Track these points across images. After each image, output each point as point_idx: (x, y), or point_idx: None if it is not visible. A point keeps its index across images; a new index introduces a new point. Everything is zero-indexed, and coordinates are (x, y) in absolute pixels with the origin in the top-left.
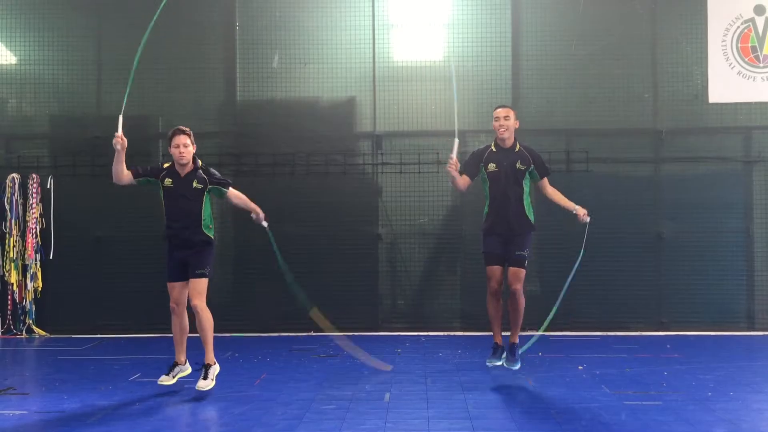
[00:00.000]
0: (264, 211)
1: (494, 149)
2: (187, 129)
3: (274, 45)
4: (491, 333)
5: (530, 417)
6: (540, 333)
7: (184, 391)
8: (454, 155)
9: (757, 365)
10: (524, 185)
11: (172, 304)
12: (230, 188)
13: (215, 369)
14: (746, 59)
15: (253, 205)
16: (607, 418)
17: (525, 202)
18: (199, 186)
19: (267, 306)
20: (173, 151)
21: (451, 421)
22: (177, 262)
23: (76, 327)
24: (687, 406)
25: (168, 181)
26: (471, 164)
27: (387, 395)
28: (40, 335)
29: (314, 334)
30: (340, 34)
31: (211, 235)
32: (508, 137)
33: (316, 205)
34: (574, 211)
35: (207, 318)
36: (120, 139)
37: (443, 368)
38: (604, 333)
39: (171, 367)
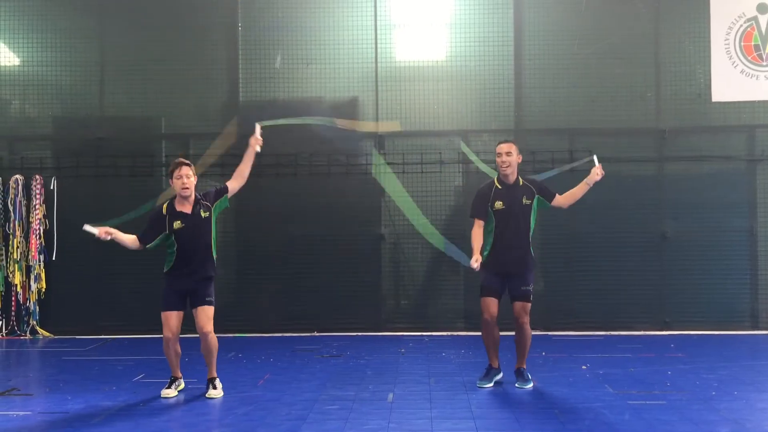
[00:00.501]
0: (268, 212)
1: (499, 186)
2: (188, 161)
3: (276, 45)
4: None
5: (533, 417)
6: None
7: (188, 391)
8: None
9: (761, 364)
10: (531, 221)
11: (168, 334)
12: (228, 190)
13: (219, 382)
14: (749, 58)
15: (248, 158)
16: (610, 418)
17: (529, 240)
18: (206, 214)
19: (270, 306)
20: (176, 182)
21: (455, 421)
22: (180, 291)
23: (80, 328)
24: (691, 406)
25: (177, 224)
26: (480, 205)
27: (390, 395)
28: (43, 336)
29: (317, 334)
30: (343, 34)
31: (215, 256)
32: (512, 173)
33: (318, 205)
34: (589, 184)
35: (215, 341)
36: (104, 235)
37: (446, 368)
38: (608, 332)
39: (171, 381)
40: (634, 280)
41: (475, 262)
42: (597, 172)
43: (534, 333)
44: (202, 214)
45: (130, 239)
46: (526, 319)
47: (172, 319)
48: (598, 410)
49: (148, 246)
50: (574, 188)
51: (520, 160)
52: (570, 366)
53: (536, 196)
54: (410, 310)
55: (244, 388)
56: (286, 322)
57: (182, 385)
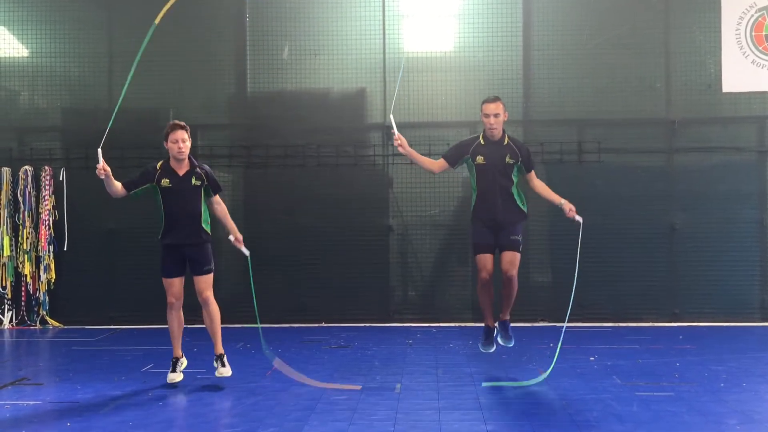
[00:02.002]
0: (276, 203)
1: (483, 142)
2: (184, 123)
3: (284, 36)
4: (557, 324)
5: (541, 408)
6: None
7: (197, 381)
8: (395, 130)
9: None
10: (513, 178)
11: (171, 299)
12: (215, 197)
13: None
14: (760, 48)
15: (232, 224)
16: (618, 409)
17: (515, 194)
18: (198, 183)
19: (278, 297)
20: (171, 146)
21: (462, 412)
22: (177, 258)
23: (89, 318)
24: (699, 397)
25: (165, 182)
26: (455, 153)
27: (398, 386)
28: (53, 326)
29: (325, 325)
30: (351, 25)
31: (209, 230)
32: (498, 132)
33: (327, 196)
34: (561, 205)
35: (217, 309)
36: (102, 171)
37: (454, 359)
38: (617, 324)
39: (174, 363)
40: (643, 271)
41: (398, 139)
42: (569, 209)
43: (541, 324)
44: (193, 181)
45: (117, 185)
46: (514, 273)
47: (174, 285)
48: (606, 401)
49: (130, 193)
50: (552, 192)
51: (506, 118)
52: (578, 357)
53: (520, 160)
54: (418, 301)
55: (253, 379)
56: (294, 313)
57: (185, 363)
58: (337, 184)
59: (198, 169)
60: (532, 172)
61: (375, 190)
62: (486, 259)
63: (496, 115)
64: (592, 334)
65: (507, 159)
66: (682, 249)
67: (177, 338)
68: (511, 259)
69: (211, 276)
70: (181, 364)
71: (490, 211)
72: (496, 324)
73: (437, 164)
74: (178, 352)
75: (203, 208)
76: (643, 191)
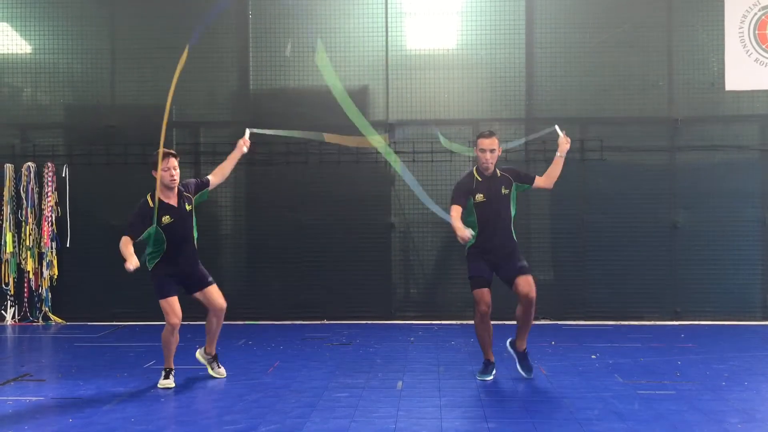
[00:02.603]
0: (278, 200)
1: (479, 178)
2: (174, 151)
3: (286, 34)
4: (500, 323)
5: (543, 406)
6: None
7: (199, 378)
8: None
9: None
10: (511, 209)
11: (175, 320)
12: (209, 184)
13: None
14: (764, 46)
15: (233, 158)
16: (620, 407)
17: (511, 227)
18: (190, 207)
19: (280, 294)
20: (164, 174)
21: (464, 410)
22: (178, 278)
23: (92, 314)
24: (701, 396)
25: (167, 219)
26: (462, 196)
27: (400, 383)
28: (56, 322)
29: (327, 322)
30: (353, 22)
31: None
32: (492, 168)
33: (329, 194)
34: (562, 155)
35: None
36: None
37: (456, 357)
38: (618, 322)
39: (167, 372)
40: (645, 269)
41: (463, 230)
42: (563, 142)
43: (544, 323)
44: (187, 208)
45: (122, 242)
46: (534, 294)
47: (176, 304)
48: (607, 399)
49: (135, 240)
50: (550, 166)
51: (500, 153)
52: (580, 355)
53: (514, 184)
54: (420, 299)
55: (255, 375)
56: (295, 309)
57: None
58: (339, 182)
59: (185, 193)
60: (536, 178)
61: (377, 187)
62: (485, 293)
63: (492, 151)
64: (593, 332)
65: (503, 190)
66: (684, 247)
67: (172, 354)
68: (528, 282)
69: (216, 285)
70: (172, 373)
71: (491, 247)
72: (518, 364)
73: (457, 213)
74: (171, 364)
75: (195, 228)
76: (645, 189)
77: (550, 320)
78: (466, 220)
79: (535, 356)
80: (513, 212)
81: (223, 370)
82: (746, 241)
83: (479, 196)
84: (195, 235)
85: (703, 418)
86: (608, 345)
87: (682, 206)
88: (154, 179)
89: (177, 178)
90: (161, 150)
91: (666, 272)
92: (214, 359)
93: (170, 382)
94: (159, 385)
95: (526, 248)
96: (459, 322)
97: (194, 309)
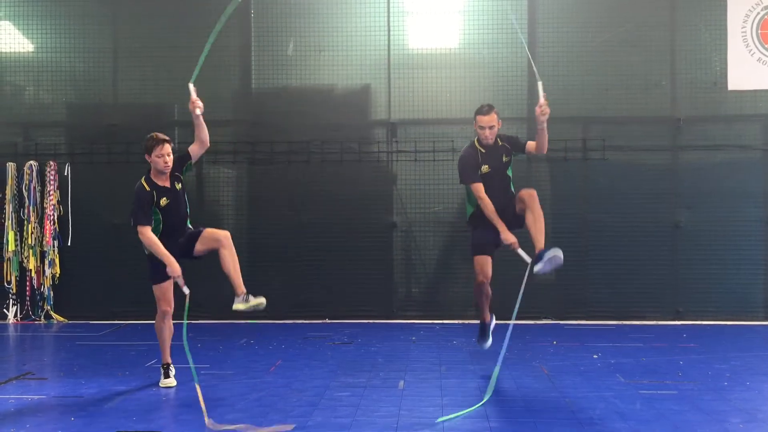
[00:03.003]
0: (280, 199)
1: (482, 150)
2: (168, 137)
3: (289, 32)
4: (504, 322)
5: (544, 405)
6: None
7: (200, 377)
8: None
9: None
10: (509, 174)
11: (166, 307)
12: (191, 156)
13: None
14: (766, 46)
15: (198, 123)
16: (621, 407)
17: (511, 188)
18: (180, 186)
19: (282, 293)
20: (158, 160)
21: (466, 409)
22: (175, 254)
23: (94, 313)
24: (703, 396)
25: (164, 201)
26: (473, 170)
27: (401, 383)
28: (57, 321)
29: (329, 321)
30: (355, 21)
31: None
32: (491, 140)
33: (330, 193)
34: (541, 125)
35: (232, 248)
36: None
37: (457, 356)
38: (620, 322)
39: (166, 369)
40: (646, 269)
41: (511, 238)
42: (538, 113)
43: (545, 322)
44: (177, 186)
45: (147, 239)
46: (534, 193)
47: (168, 290)
48: (609, 399)
49: (151, 225)
50: (537, 138)
51: (500, 126)
52: (581, 355)
53: (512, 151)
54: (421, 298)
55: (257, 374)
56: (297, 309)
57: (173, 370)
58: (341, 181)
59: (175, 173)
60: (527, 143)
61: (379, 186)
62: (485, 261)
63: (491, 127)
64: (595, 331)
65: (504, 158)
66: (686, 247)
67: (168, 346)
68: (528, 191)
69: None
70: (172, 370)
71: (494, 211)
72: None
73: (482, 192)
74: (169, 358)
75: (188, 209)
76: (647, 189)
77: (552, 320)
78: (469, 194)
79: (536, 356)
80: (510, 174)
81: (262, 299)
82: (748, 240)
83: (485, 168)
84: (187, 210)
85: (704, 418)
86: (610, 345)
87: (684, 206)
88: (148, 163)
89: (170, 164)
90: (155, 135)
91: (668, 272)
92: (248, 294)
93: (171, 381)
94: (161, 384)
95: (527, 248)
96: (461, 321)
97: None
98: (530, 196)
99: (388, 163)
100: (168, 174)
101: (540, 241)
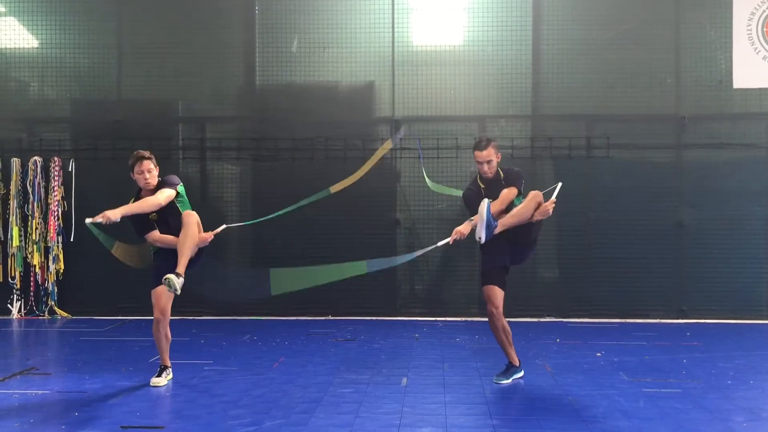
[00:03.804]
0: (283, 196)
1: (482, 185)
2: (148, 153)
3: (293, 29)
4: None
5: (547, 403)
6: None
7: (204, 373)
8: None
9: None
10: (516, 203)
11: (158, 315)
12: (166, 191)
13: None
14: None
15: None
16: (625, 405)
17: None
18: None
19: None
20: (138, 177)
21: (468, 406)
22: (160, 268)
23: (97, 309)
24: (706, 394)
25: (153, 216)
26: (473, 205)
27: (404, 380)
28: (61, 316)
29: (332, 318)
30: (360, 18)
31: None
32: (491, 175)
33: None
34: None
35: (192, 230)
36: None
37: (460, 354)
38: (623, 320)
39: (161, 370)
40: (650, 267)
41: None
42: (543, 209)
43: (549, 320)
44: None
45: (156, 239)
46: (532, 194)
47: (163, 296)
48: (612, 397)
49: (155, 229)
50: (514, 210)
51: (499, 159)
52: (585, 353)
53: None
54: (424, 295)
55: (260, 370)
56: (300, 305)
57: (171, 375)
58: (344, 178)
59: (161, 185)
60: (501, 193)
61: (383, 183)
62: (492, 292)
63: (488, 162)
64: (598, 330)
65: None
66: (690, 245)
67: (165, 350)
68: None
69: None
70: (168, 374)
71: (494, 241)
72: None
73: (467, 225)
74: (167, 361)
75: (183, 208)
76: (651, 187)
77: (555, 318)
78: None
79: (539, 354)
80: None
81: (175, 281)
82: (752, 239)
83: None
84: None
85: (708, 417)
86: (613, 343)
87: (688, 204)
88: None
89: (151, 181)
90: (136, 153)
91: (672, 270)
92: (177, 276)
93: (160, 380)
94: (150, 383)
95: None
96: (463, 318)
97: (199, 304)
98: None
99: (392, 161)
100: (154, 189)
101: (503, 221)
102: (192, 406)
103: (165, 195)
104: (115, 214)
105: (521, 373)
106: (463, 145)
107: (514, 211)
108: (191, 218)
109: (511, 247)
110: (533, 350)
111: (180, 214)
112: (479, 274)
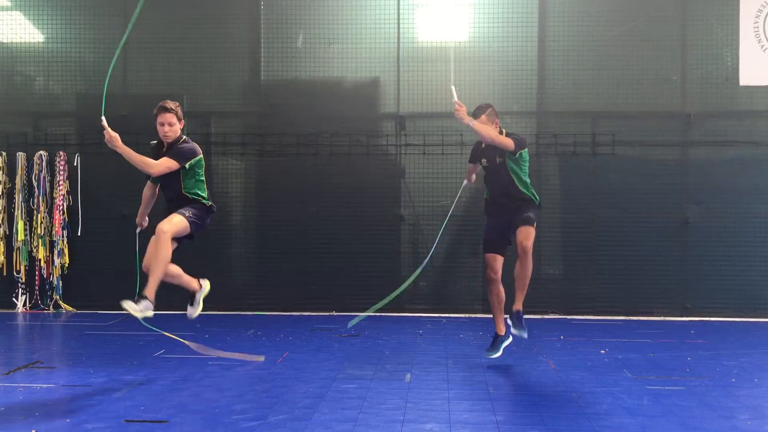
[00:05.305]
0: (288, 191)
1: (483, 144)
2: (174, 105)
3: (298, 24)
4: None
5: (551, 400)
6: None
7: (209, 368)
8: (455, 98)
9: None
10: (511, 176)
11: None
12: (169, 162)
13: (149, 306)
14: None
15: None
16: (628, 402)
17: (520, 186)
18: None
19: (289, 285)
20: (158, 128)
21: (472, 403)
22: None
23: (102, 303)
24: (710, 392)
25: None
26: (475, 158)
27: (408, 376)
28: (66, 310)
29: (336, 314)
30: (365, 14)
31: (203, 201)
32: (489, 139)
33: (339, 185)
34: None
35: (166, 246)
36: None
37: (464, 350)
38: (628, 317)
39: (191, 296)
40: (655, 265)
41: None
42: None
43: (552, 317)
44: None
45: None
46: (529, 244)
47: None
48: (616, 394)
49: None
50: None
51: (498, 125)
52: (589, 350)
53: (505, 152)
54: (428, 292)
55: (264, 366)
56: (304, 301)
57: (206, 290)
58: (349, 173)
59: (175, 147)
60: (508, 138)
61: (387, 179)
62: (492, 259)
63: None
64: (603, 327)
65: (497, 159)
66: (695, 243)
67: (177, 283)
68: (525, 231)
69: (179, 218)
70: (202, 291)
71: (498, 209)
72: (509, 322)
73: (472, 169)
74: (194, 285)
75: (187, 184)
76: (657, 185)
77: (559, 314)
78: (481, 179)
79: (543, 350)
80: (518, 176)
81: (145, 312)
82: (758, 237)
83: (484, 161)
84: (183, 187)
85: (712, 415)
86: (617, 340)
87: (693, 202)
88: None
89: (170, 134)
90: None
91: (676, 268)
92: (142, 299)
93: (194, 310)
94: (124, 304)
95: (535, 242)
96: (467, 315)
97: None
98: (524, 250)
99: (396, 156)
100: (169, 145)
101: (519, 300)
102: (196, 400)
103: (164, 166)
104: (116, 140)
105: (509, 340)
106: (467, 142)
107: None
108: (163, 234)
109: (510, 220)
110: (537, 347)
111: (180, 187)
112: (482, 242)
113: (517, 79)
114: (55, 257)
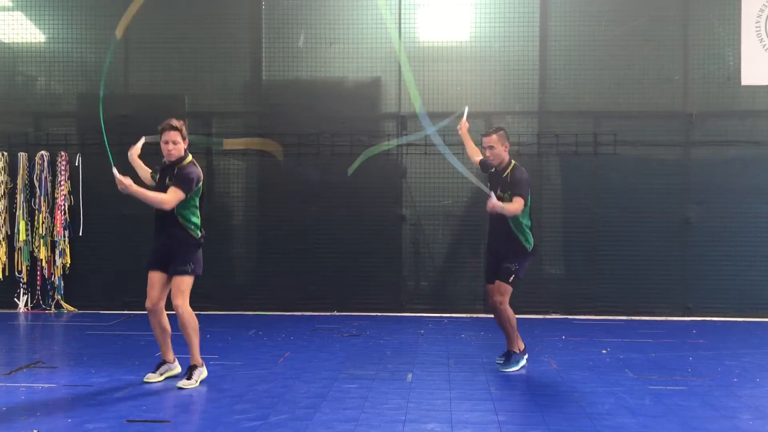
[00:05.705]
0: (289, 191)
1: (492, 169)
2: (179, 123)
3: (299, 24)
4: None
5: (553, 400)
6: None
7: (209, 368)
8: (464, 118)
9: None
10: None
11: (147, 304)
12: (178, 193)
13: (201, 372)
14: None
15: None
16: (631, 402)
17: (512, 227)
18: (171, 183)
19: (291, 285)
20: (162, 146)
21: (474, 403)
22: (157, 251)
23: (104, 303)
24: (712, 392)
25: (156, 176)
26: (484, 167)
27: (409, 376)
28: (68, 310)
29: (337, 314)
30: (366, 14)
31: (191, 233)
32: (498, 163)
33: (340, 185)
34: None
35: (188, 319)
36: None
37: (466, 350)
38: (629, 317)
39: (158, 365)
40: (656, 264)
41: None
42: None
43: (554, 317)
44: (167, 181)
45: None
46: (498, 299)
47: (152, 281)
48: (618, 394)
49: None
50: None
51: (506, 149)
52: (591, 350)
53: (509, 191)
54: (430, 292)
55: (265, 366)
56: (306, 300)
57: (175, 371)
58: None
59: (177, 169)
60: (518, 201)
61: (388, 179)
62: (489, 289)
63: (490, 148)
64: (604, 327)
65: (498, 192)
66: (697, 243)
67: (162, 343)
68: (497, 288)
69: (184, 280)
70: (169, 369)
71: (490, 245)
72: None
73: (476, 153)
74: (166, 356)
75: (181, 210)
76: (658, 184)
77: (561, 314)
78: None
79: (545, 350)
80: (514, 217)
81: (185, 382)
82: (759, 237)
83: (489, 184)
84: (179, 214)
85: (714, 414)
86: (619, 340)
87: (695, 201)
88: (161, 155)
89: (175, 152)
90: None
91: (678, 267)
92: (188, 368)
93: (153, 376)
94: (144, 378)
95: (536, 242)
96: (469, 315)
97: (204, 299)
98: (492, 304)
99: (397, 156)
100: (172, 164)
101: (508, 342)
102: (198, 400)
103: (175, 200)
104: (130, 187)
105: (525, 357)
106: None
107: (508, 206)
108: (180, 308)
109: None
110: (539, 347)
111: (173, 209)
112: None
113: (518, 79)
114: (57, 257)
